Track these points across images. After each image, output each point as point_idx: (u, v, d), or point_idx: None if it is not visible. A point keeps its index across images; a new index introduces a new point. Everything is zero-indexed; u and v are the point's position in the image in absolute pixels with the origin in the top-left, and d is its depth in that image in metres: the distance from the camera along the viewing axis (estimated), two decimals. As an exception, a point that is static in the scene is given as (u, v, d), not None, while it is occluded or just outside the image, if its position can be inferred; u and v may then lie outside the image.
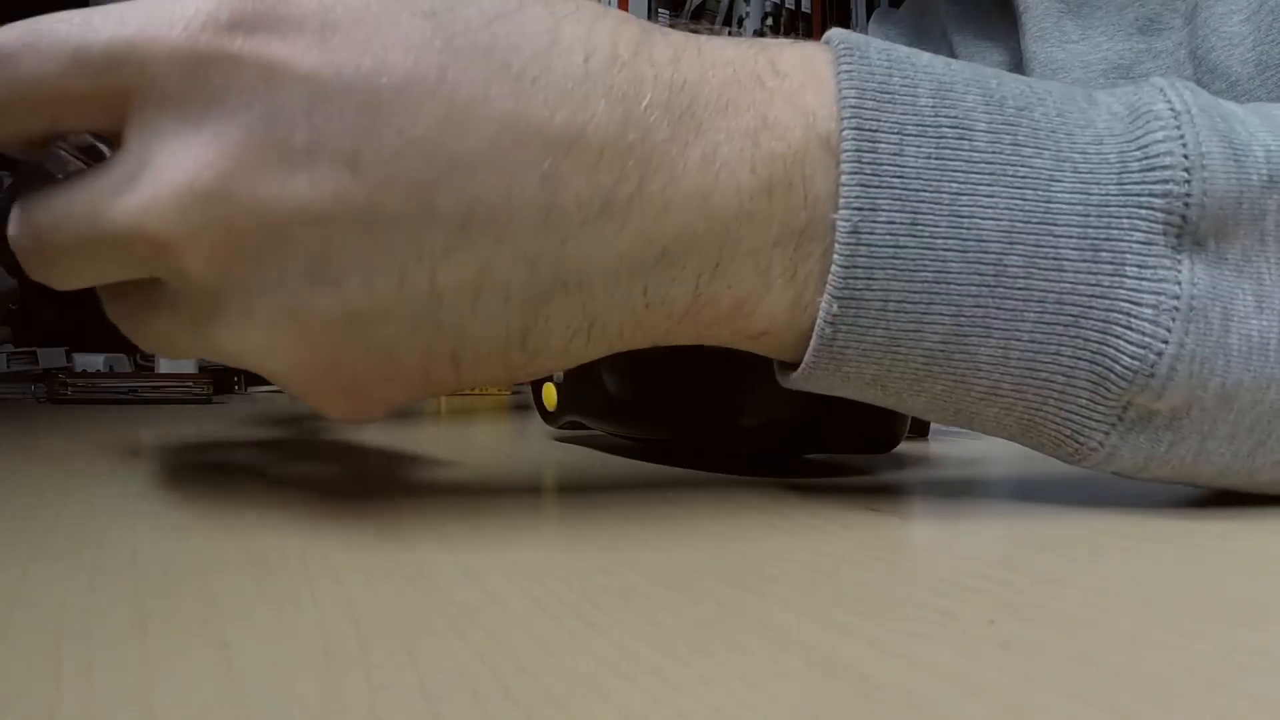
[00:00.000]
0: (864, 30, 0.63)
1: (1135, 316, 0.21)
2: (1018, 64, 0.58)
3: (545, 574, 0.17)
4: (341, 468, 0.31)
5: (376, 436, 0.43)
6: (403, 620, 0.14)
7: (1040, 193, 0.21)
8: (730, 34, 1.74)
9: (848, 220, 0.20)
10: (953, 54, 0.64)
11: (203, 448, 0.36)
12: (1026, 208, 0.21)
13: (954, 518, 0.24)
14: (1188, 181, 0.20)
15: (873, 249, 0.20)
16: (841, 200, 0.20)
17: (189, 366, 0.75)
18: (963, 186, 0.20)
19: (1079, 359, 0.21)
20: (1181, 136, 0.21)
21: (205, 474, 0.29)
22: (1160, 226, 0.21)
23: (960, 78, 0.21)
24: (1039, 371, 0.21)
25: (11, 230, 0.21)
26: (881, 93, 0.20)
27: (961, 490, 0.29)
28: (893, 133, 0.20)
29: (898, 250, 0.20)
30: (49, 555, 0.17)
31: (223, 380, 0.75)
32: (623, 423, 0.34)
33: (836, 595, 0.16)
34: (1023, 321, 0.21)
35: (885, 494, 0.27)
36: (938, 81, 0.21)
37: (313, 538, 0.19)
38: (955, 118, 0.21)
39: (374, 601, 0.14)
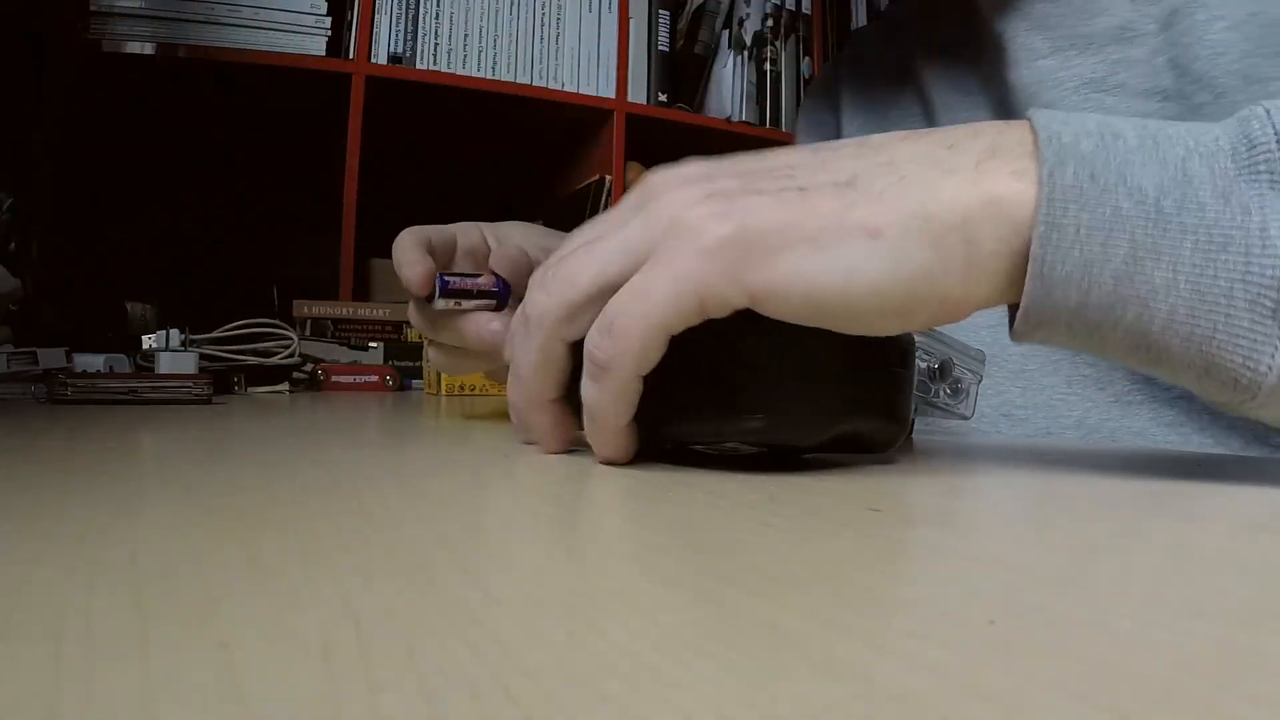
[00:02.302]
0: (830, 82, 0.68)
1: (1267, 240, 0.27)
2: (999, 108, 0.56)
3: (545, 574, 0.17)
4: (341, 468, 0.31)
5: (375, 436, 0.43)
6: (403, 620, 0.14)
7: (1178, 166, 0.28)
8: (730, 34, 1.74)
9: (1046, 169, 0.28)
10: (929, 115, 0.63)
11: (203, 447, 0.36)
12: (1170, 173, 0.28)
13: (954, 517, 0.24)
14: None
15: (1065, 189, 0.28)
16: (1041, 158, 0.28)
17: (189, 367, 0.75)
18: (1123, 162, 0.28)
19: (1233, 282, 0.27)
20: (1273, 124, 0.28)
21: (205, 474, 0.29)
22: (1266, 181, 0.28)
23: (1116, 117, 0.30)
24: (1204, 295, 0.28)
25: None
26: (1062, 121, 0.29)
27: (961, 490, 0.29)
28: (1071, 136, 0.29)
29: (1082, 191, 0.28)
30: (49, 555, 0.17)
31: (223, 380, 0.75)
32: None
33: (836, 595, 0.16)
34: (1182, 249, 0.27)
35: (885, 494, 0.27)
36: (1098, 119, 0.30)
37: (312, 538, 0.19)
38: (1114, 132, 0.29)
39: (374, 601, 0.14)
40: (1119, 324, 0.29)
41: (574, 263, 0.32)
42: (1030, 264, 0.28)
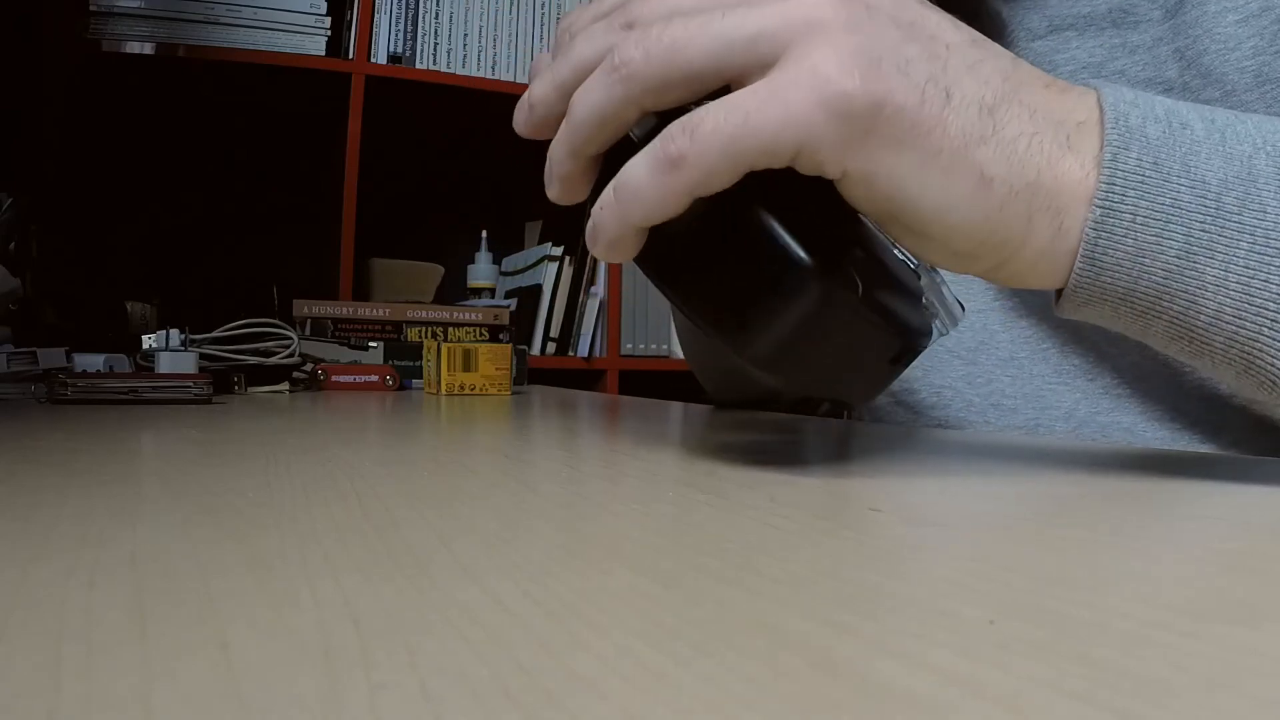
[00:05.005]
0: None
1: None
2: None
3: (545, 574, 0.17)
4: (341, 468, 0.31)
5: (374, 436, 0.43)
6: (403, 620, 0.14)
7: (1244, 162, 0.28)
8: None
9: (1109, 152, 0.28)
10: None
11: (203, 448, 0.36)
12: (1234, 168, 0.28)
13: (954, 517, 0.24)
14: None
15: (1126, 174, 0.28)
16: (1105, 139, 0.28)
17: (189, 366, 0.75)
18: (1188, 152, 0.28)
19: None
20: None
21: (205, 474, 0.29)
22: None
23: (1183, 103, 0.30)
24: (1253, 297, 0.28)
25: None
26: (1130, 102, 0.29)
27: (961, 490, 0.29)
28: (1138, 119, 0.29)
29: (1144, 178, 0.28)
30: (49, 555, 0.17)
31: (223, 380, 0.75)
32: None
33: (836, 595, 0.16)
34: (1238, 248, 0.28)
35: (885, 494, 0.27)
36: (1166, 104, 0.30)
37: (313, 538, 0.19)
38: (1181, 120, 0.29)
39: (374, 601, 0.14)
40: (1164, 314, 0.29)
41: (687, 29, 0.28)
42: (1081, 244, 0.28)
